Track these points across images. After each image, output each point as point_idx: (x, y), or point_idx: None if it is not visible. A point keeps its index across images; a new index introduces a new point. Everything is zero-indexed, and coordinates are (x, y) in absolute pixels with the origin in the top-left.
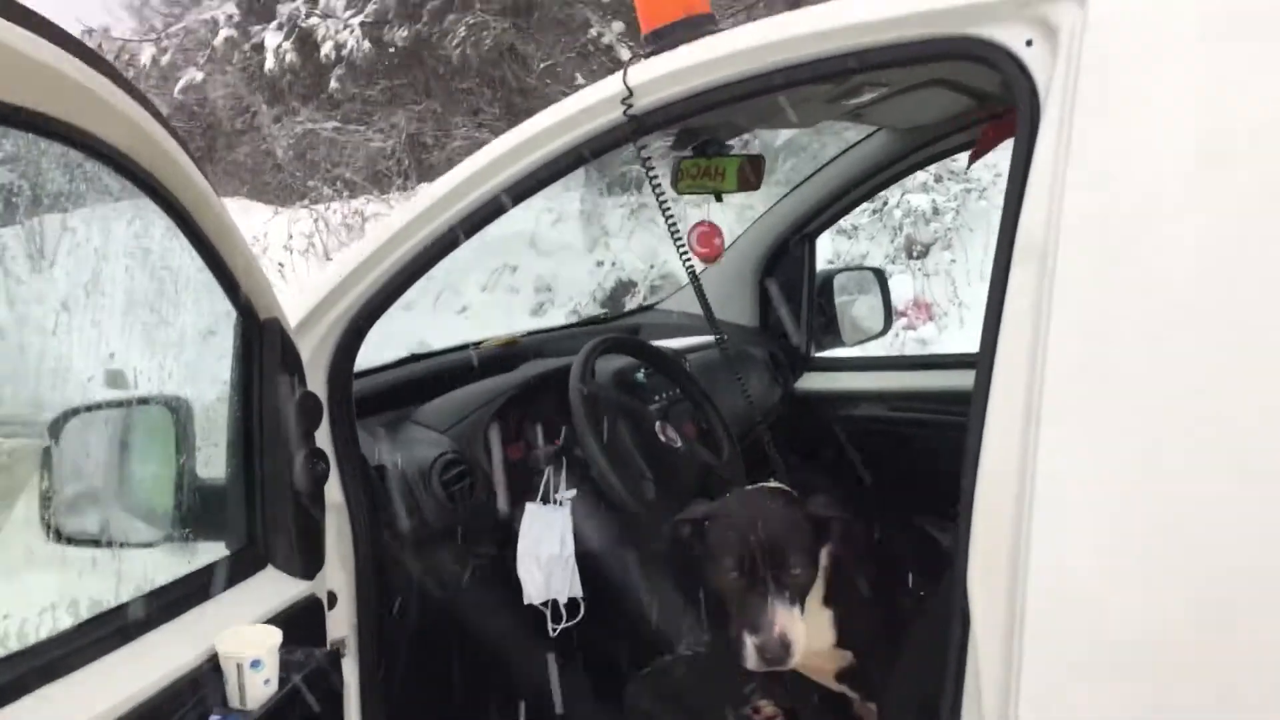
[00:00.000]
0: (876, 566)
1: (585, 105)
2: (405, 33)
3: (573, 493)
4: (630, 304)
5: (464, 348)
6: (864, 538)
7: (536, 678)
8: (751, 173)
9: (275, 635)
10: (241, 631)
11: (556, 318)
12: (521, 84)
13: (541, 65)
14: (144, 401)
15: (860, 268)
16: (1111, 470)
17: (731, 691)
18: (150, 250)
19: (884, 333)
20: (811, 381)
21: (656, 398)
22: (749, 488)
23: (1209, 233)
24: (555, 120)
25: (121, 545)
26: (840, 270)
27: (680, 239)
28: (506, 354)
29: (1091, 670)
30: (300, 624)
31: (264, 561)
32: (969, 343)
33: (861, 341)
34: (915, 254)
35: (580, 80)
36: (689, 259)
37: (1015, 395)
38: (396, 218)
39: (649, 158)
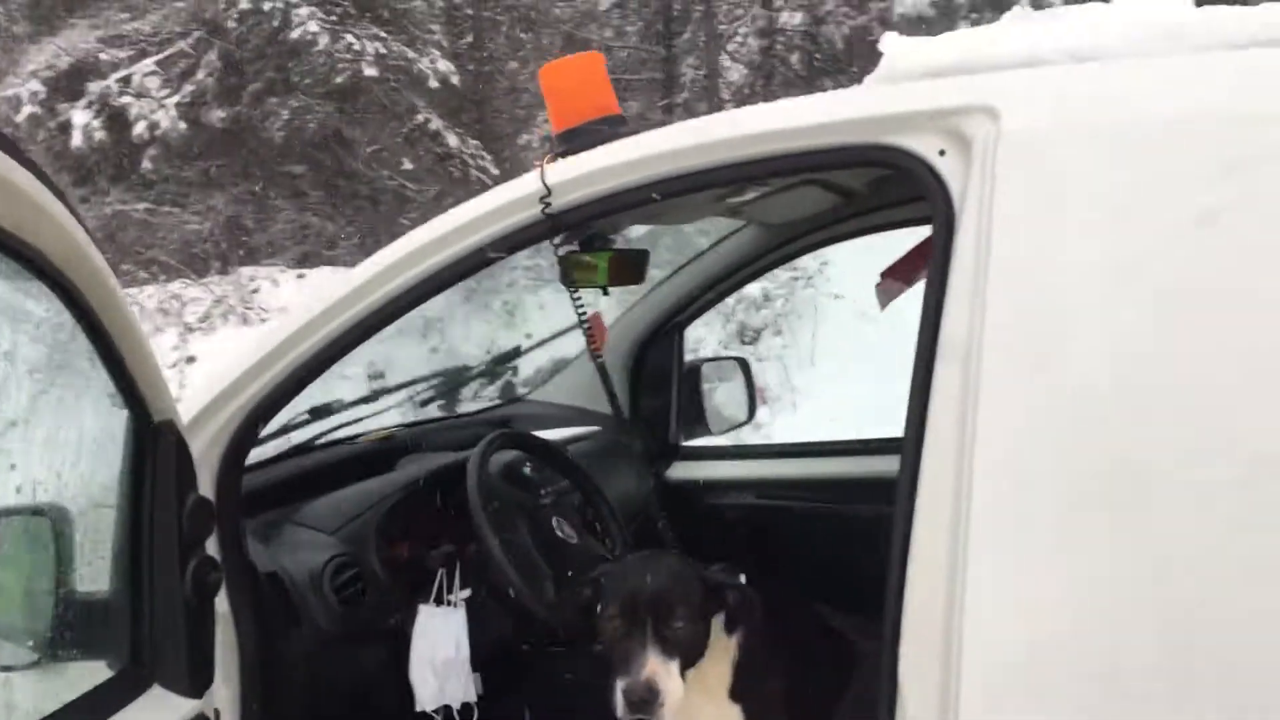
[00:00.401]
0: (786, 658)
1: (500, 203)
2: (224, 114)
3: (467, 593)
4: (467, 391)
5: (338, 444)
6: (764, 617)
7: None
8: (632, 267)
9: None
10: None
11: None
12: (347, 168)
13: (368, 150)
14: (18, 512)
15: (725, 358)
16: (1040, 558)
17: None
18: (31, 344)
19: (749, 421)
20: (681, 470)
21: (543, 491)
22: (649, 551)
23: (1122, 335)
24: (469, 217)
25: None
26: (707, 360)
27: (589, 329)
28: (384, 449)
29: None
30: None
31: (149, 680)
32: (803, 427)
33: (727, 430)
34: (747, 339)
35: (408, 165)
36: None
37: (943, 486)
38: (297, 315)
39: (562, 255)
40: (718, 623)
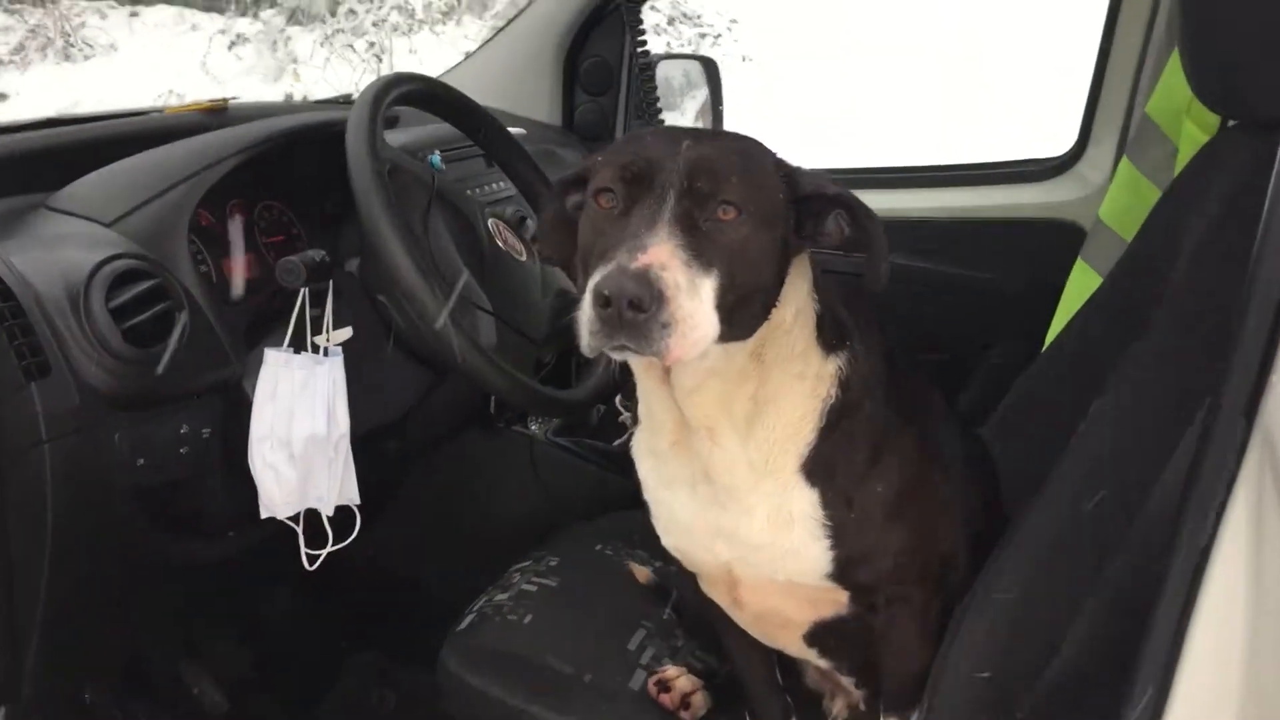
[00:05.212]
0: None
1: None
2: None
3: (347, 332)
4: None
5: (140, 113)
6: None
7: (291, 643)
8: None
9: None
10: None
11: None
12: None
13: None
14: None
15: (689, 56)
16: None
17: (614, 649)
18: None
19: None
20: None
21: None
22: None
23: None
24: None
25: None
26: (665, 57)
27: None
28: (209, 123)
29: None
30: None
31: None
32: None
33: None
34: None
35: None
36: None
37: None
38: None
39: None
40: (809, 335)
